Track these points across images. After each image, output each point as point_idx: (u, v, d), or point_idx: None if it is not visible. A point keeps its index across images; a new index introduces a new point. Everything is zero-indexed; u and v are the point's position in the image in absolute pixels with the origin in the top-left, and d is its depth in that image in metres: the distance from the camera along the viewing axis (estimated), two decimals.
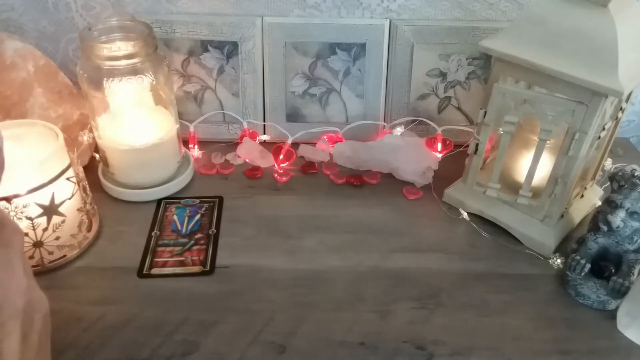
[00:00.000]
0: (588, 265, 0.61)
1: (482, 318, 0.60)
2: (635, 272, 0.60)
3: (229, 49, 0.82)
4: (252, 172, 0.81)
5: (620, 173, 0.61)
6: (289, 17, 0.82)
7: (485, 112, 0.66)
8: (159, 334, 0.57)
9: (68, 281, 0.63)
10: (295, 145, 0.83)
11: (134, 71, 0.67)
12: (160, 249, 0.67)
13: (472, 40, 0.81)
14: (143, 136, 0.72)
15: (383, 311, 0.60)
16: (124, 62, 0.66)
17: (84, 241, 0.66)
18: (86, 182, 0.67)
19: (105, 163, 0.75)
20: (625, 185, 0.60)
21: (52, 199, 0.60)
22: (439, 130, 0.84)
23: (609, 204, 0.61)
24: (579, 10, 0.58)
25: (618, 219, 0.59)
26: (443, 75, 0.84)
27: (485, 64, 0.83)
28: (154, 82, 0.69)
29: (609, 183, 0.64)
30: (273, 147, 0.83)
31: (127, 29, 0.69)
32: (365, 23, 0.81)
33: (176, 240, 0.69)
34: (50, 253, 0.63)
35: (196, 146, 0.85)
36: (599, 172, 0.74)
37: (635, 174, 0.60)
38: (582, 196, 0.73)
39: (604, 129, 0.63)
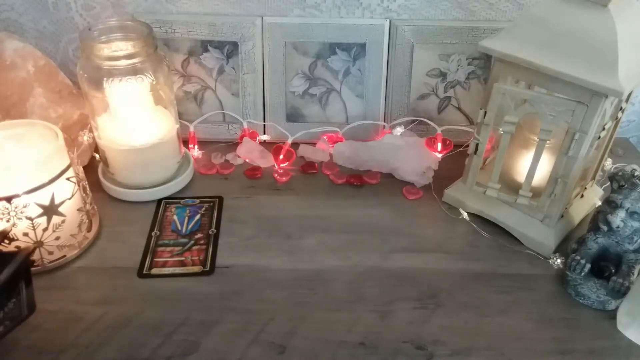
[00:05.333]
0: (588, 265, 0.61)
1: (482, 318, 0.60)
2: (635, 272, 0.60)
3: (229, 49, 0.82)
4: (252, 172, 0.81)
5: (620, 173, 0.61)
6: (289, 17, 0.82)
7: (485, 112, 0.66)
8: (159, 334, 0.57)
9: (68, 281, 0.63)
10: (295, 145, 0.83)
11: (134, 71, 0.67)
12: (160, 249, 0.67)
13: (472, 40, 0.81)
14: (143, 136, 0.72)
15: (383, 311, 0.60)
16: (124, 62, 0.66)
17: (84, 241, 0.66)
18: (86, 182, 0.67)
19: (105, 163, 0.75)
20: (625, 185, 0.60)
21: (52, 199, 0.60)
22: (439, 130, 0.84)
23: (609, 204, 0.61)
24: (579, 10, 0.58)
25: (618, 219, 0.59)
26: (443, 75, 0.84)
27: (485, 64, 0.83)
28: (154, 82, 0.69)
29: (609, 183, 0.64)
30: (273, 147, 0.83)
31: (127, 29, 0.69)
32: (365, 23, 0.81)
33: (176, 240, 0.69)
34: (50, 253, 0.63)
35: (196, 146, 0.85)
36: (599, 172, 0.74)
37: (635, 174, 0.60)
38: (582, 196, 0.73)
39: (604, 129, 0.63)
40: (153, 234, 0.70)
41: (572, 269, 0.61)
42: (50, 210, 0.60)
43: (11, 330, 0.51)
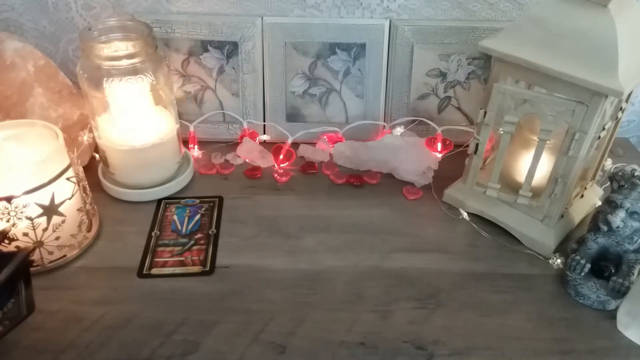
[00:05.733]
0: (588, 265, 0.61)
1: (482, 318, 0.60)
2: (635, 272, 0.60)
3: (229, 49, 0.82)
4: (252, 172, 0.81)
5: (620, 173, 0.61)
6: (289, 17, 0.82)
7: (485, 112, 0.66)
8: (159, 334, 0.57)
9: (68, 281, 0.63)
10: (295, 145, 0.83)
11: (134, 71, 0.67)
12: (160, 249, 0.67)
13: (472, 40, 0.81)
14: (143, 136, 0.72)
15: (383, 311, 0.60)
16: (124, 62, 0.66)
17: (84, 241, 0.66)
18: (86, 182, 0.67)
19: (105, 163, 0.75)
20: (625, 185, 0.60)
21: (52, 199, 0.60)
22: (439, 130, 0.84)
23: (609, 204, 0.61)
24: (579, 10, 0.58)
25: (618, 219, 0.59)
26: (443, 75, 0.84)
27: (485, 64, 0.83)
28: (154, 82, 0.69)
29: (609, 183, 0.64)
30: (273, 147, 0.83)
31: (127, 29, 0.69)
32: (365, 23, 0.81)
33: (176, 240, 0.69)
34: (50, 253, 0.63)
35: (196, 146, 0.85)
36: (599, 172, 0.74)
37: (635, 174, 0.60)
38: (582, 196, 0.73)
39: (604, 129, 0.63)
40: (153, 234, 0.70)
41: (572, 269, 0.61)
42: (50, 210, 0.60)
43: (10, 330, 0.51)
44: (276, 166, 0.82)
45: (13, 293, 0.52)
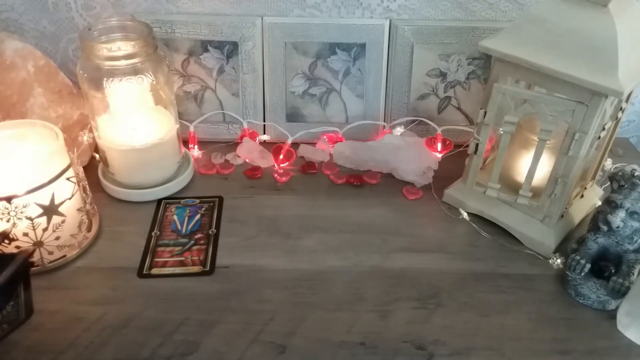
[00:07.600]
0: (588, 265, 0.61)
1: (482, 318, 0.60)
2: (635, 272, 0.60)
3: (229, 49, 0.82)
4: (252, 172, 0.81)
5: (620, 173, 0.61)
6: (289, 17, 0.82)
7: (485, 112, 0.66)
8: (159, 334, 0.57)
9: (68, 281, 0.63)
10: (295, 145, 0.83)
11: (134, 71, 0.67)
12: (160, 249, 0.67)
13: (472, 40, 0.81)
14: (143, 136, 0.72)
15: (383, 311, 0.60)
16: (124, 62, 0.66)
17: (84, 241, 0.66)
18: (86, 182, 0.67)
19: (105, 163, 0.75)
20: (625, 185, 0.60)
21: (52, 199, 0.60)
22: (439, 130, 0.84)
23: (609, 204, 0.61)
24: (579, 10, 0.58)
25: (618, 219, 0.59)
26: (443, 75, 0.84)
27: (485, 64, 0.83)
28: (154, 82, 0.69)
29: (609, 183, 0.64)
30: (273, 147, 0.83)
31: (127, 29, 0.69)
32: (365, 23, 0.81)
33: (176, 240, 0.69)
34: (50, 253, 0.63)
35: (196, 146, 0.85)
36: (599, 172, 0.74)
37: (635, 174, 0.60)
38: (582, 196, 0.73)
39: (604, 129, 0.63)
40: (153, 234, 0.70)
41: (572, 269, 0.61)
42: (50, 210, 0.60)
43: (9, 334, 0.51)
44: (276, 166, 0.82)
45: (12, 296, 0.52)
